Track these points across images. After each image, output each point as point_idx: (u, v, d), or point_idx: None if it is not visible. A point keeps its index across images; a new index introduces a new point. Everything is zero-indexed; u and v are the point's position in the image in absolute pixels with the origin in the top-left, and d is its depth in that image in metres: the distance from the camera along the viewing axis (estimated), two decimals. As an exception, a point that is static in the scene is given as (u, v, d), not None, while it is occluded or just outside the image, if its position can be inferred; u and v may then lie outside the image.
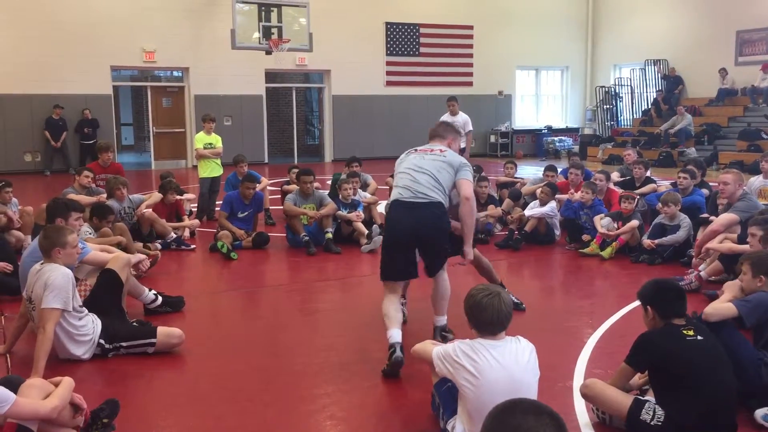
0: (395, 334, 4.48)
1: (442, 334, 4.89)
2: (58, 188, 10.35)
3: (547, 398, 3.72)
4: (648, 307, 3.73)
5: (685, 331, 3.57)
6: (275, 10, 15.04)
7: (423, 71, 21.35)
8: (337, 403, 4.16)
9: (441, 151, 4.87)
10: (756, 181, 8.46)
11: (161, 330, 4.90)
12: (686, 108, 19.63)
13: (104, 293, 5.14)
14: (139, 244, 7.68)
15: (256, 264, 7.95)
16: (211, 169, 10.61)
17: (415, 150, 4.96)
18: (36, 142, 17.61)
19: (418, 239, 4.68)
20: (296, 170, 10.13)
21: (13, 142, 17.34)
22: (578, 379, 4.33)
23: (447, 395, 3.49)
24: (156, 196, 8.67)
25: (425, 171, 4.73)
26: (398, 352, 4.38)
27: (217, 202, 10.41)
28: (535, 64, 23.81)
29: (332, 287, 7.05)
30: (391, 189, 10.18)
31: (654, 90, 21.80)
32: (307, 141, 23.93)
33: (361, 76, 20.44)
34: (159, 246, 8.17)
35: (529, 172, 14.94)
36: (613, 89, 22.80)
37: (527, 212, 8.74)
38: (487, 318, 3.28)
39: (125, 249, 6.63)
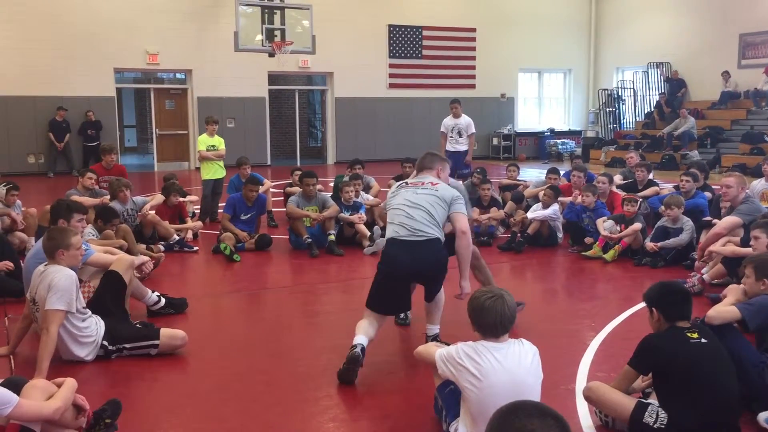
0: (360, 339, 4.50)
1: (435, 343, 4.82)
2: (62, 190, 10.37)
3: (549, 401, 3.72)
4: (653, 309, 3.73)
5: (689, 334, 3.57)
6: (278, 12, 15.05)
7: (426, 74, 21.36)
8: (340, 405, 4.16)
9: (432, 184, 4.84)
10: (758, 184, 8.46)
11: (164, 332, 4.90)
12: (689, 111, 19.61)
13: (107, 295, 5.15)
14: (143, 246, 7.69)
15: (259, 266, 7.96)
16: (214, 171, 10.62)
17: (407, 183, 4.94)
18: (39, 144, 17.65)
19: (419, 276, 4.73)
20: (299, 172, 10.15)
21: (17, 144, 17.37)
22: (581, 382, 4.32)
23: (450, 398, 3.49)
24: (158, 197, 8.68)
25: (419, 206, 4.69)
26: (357, 350, 4.40)
27: (219, 204, 10.41)
28: (537, 67, 23.81)
29: (335, 289, 7.05)
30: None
31: (657, 93, 21.80)
32: (309, 143, 23.95)
33: (363, 78, 20.46)
34: (162, 248, 8.18)
35: (532, 174, 14.94)
36: (615, 92, 22.80)
37: (530, 215, 8.74)
38: (490, 320, 3.28)
39: (128, 251, 6.64)
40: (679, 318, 3.65)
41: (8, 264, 6.30)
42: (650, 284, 3.91)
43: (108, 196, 8.41)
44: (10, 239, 7.53)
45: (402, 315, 5.55)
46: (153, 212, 8.34)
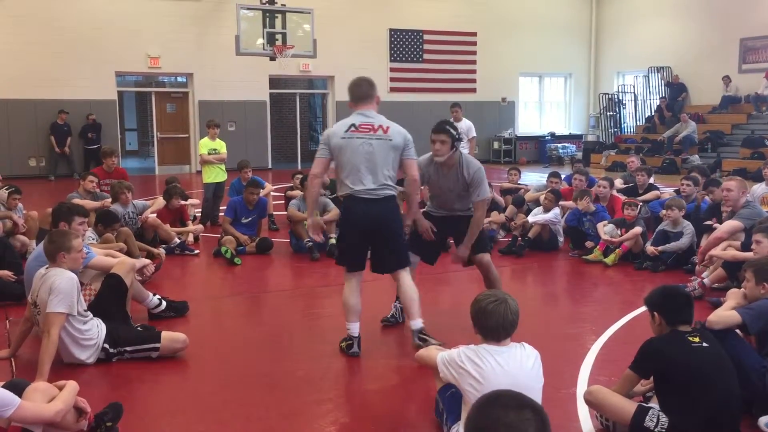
0: (354, 328, 4.86)
1: (420, 337, 4.90)
2: (63, 193, 10.38)
3: (550, 405, 3.73)
4: (655, 313, 3.73)
5: (690, 338, 3.57)
6: (279, 16, 15.08)
7: (426, 78, 21.39)
8: (341, 408, 4.16)
9: (384, 130, 4.79)
10: (759, 188, 8.46)
11: (165, 335, 4.91)
12: (690, 115, 19.61)
13: (109, 298, 5.16)
14: (147, 247, 7.69)
15: (260, 269, 7.97)
16: (216, 175, 10.64)
17: (355, 127, 4.77)
18: (41, 147, 17.67)
19: (380, 233, 4.84)
20: (300, 176, 10.15)
21: (18, 147, 17.39)
22: (582, 386, 4.33)
23: (451, 401, 3.49)
24: (159, 202, 8.69)
25: (377, 163, 4.74)
26: (355, 348, 4.81)
27: (221, 208, 10.42)
28: (538, 71, 23.84)
29: (335, 292, 7.00)
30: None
31: (657, 97, 21.80)
32: (310, 147, 23.93)
33: (364, 82, 20.45)
34: (163, 251, 8.19)
35: (533, 178, 14.95)
36: (616, 96, 22.81)
37: (531, 219, 8.74)
38: (493, 324, 3.28)
39: (128, 254, 6.65)
40: (681, 322, 3.65)
41: (8, 274, 6.30)
42: (651, 288, 3.92)
43: (110, 200, 8.42)
44: (12, 242, 7.54)
45: (390, 315, 5.63)
46: (154, 215, 8.34)
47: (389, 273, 5.06)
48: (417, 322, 4.94)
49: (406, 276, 5.01)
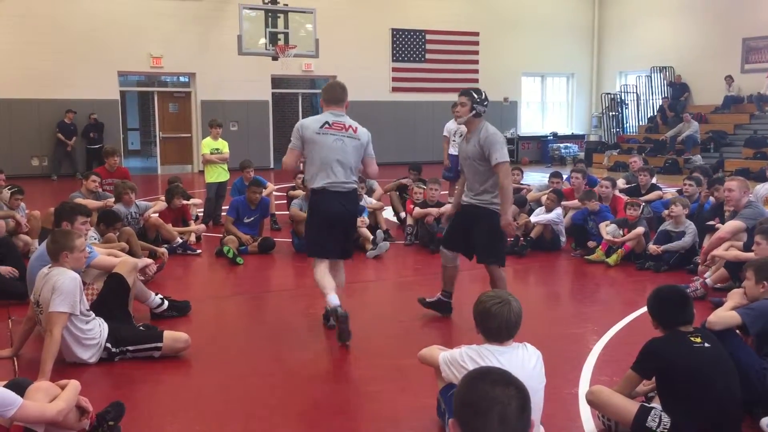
0: (333, 299, 5.12)
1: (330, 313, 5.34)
2: (65, 193, 10.39)
3: (553, 405, 3.73)
4: (653, 317, 3.72)
5: (692, 339, 3.56)
6: (282, 16, 15.09)
7: (429, 77, 21.38)
8: (343, 408, 4.16)
9: (354, 130, 5.31)
10: (762, 188, 8.43)
11: (167, 334, 4.91)
12: (692, 115, 19.59)
13: (111, 297, 5.16)
14: (150, 246, 7.70)
15: (262, 269, 7.97)
16: (218, 174, 10.65)
17: (329, 125, 5.25)
18: (43, 147, 17.70)
19: (344, 222, 5.34)
20: (302, 176, 10.15)
21: (20, 147, 17.42)
22: (584, 386, 4.32)
23: (452, 401, 3.48)
24: (160, 204, 8.64)
25: (346, 160, 5.24)
26: (341, 311, 5.02)
27: (223, 208, 10.43)
28: (540, 71, 23.83)
29: (337, 292, 7.03)
30: (392, 199, 10.25)
31: (660, 97, 21.78)
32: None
33: (367, 82, 20.44)
34: (166, 250, 8.19)
35: (535, 178, 14.94)
36: (618, 96, 22.79)
37: (533, 219, 8.74)
38: (495, 325, 3.27)
39: (130, 254, 6.66)
40: (677, 324, 3.64)
41: (13, 271, 6.31)
42: (653, 289, 3.91)
43: (111, 199, 8.44)
44: (15, 242, 7.55)
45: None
46: (156, 215, 8.35)
47: (347, 259, 5.63)
48: (333, 299, 5.24)
49: (342, 266, 5.63)
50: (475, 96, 5.48)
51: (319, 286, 5.28)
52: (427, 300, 5.92)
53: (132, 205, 8.19)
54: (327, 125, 5.25)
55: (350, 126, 5.32)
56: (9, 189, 8.23)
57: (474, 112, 5.45)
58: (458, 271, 5.89)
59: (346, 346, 5.08)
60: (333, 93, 5.40)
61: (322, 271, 5.29)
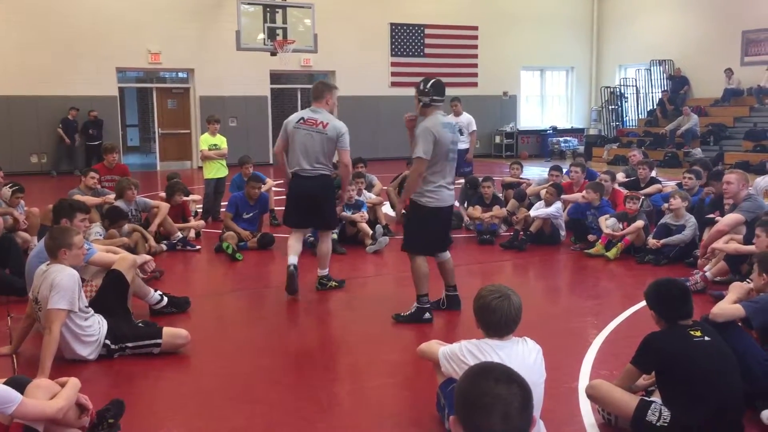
0: (291, 259, 6.21)
1: (321, 282, 6.51)
2: (64, 189, 10.38)
3: (553, 399, 3.73)
4: (653, 311, 3.72)
5: (692, 332, 3.56)
6: (280, 11, 15.06)
7: (428, 72, 21.12)
8: (343, 403, 4.16)
9: (324, 126, 6.14)
10: (762, 181, 8.41)
11: (167, 331, 4.91)
12: (692, 108, 19.58)
13: (110, 294, 5.15)
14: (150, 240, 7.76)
15: (261, 265, 7.96)
16: (216, 170, 10.63)
17: (303, 121, 6.18)
18: (42, 144, 17.67)
19: (314, 199, 6.24)
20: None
21: (19, 144, 17.39)
22: (584, 380, 4.32)
23: (452, 396, 3.47)
24: (163, 211, 8.44)
25: (314, 149, 6.15)
26: (292, 269, 6.13)
27: (222, 203, 10.42)
28: (540, 65, 23.78)
29: (337, 288, 7.04)
30: (389, 195, 10.40)
31: (659, 90, 21.75)
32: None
33: (366, 76, 20.44)
34: (164, 247, 8.20)
35: (534, 172, 14.93)
36: (618, 90, 22.75)
37: (532, 213, 8.73)
38: (495, 320, 3.27)
39: (131, 250, 6.67)
40: (680, 317, 3.63)
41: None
42: (650, 282, 3.90)
43: (110, 195, 8.43)
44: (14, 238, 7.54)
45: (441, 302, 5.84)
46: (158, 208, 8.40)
47: (318, 230, 6.69)
48: (324, 271, 6.55)
49: (327, 237, 6.59)
50: (421, 87, 5.56)
51: (288, 248, 6.33)
52: (406, 313, 5.74)
53: (133, 201, 8.18)
54: (302, 121, 6.21)
55: (321, 122, 6.17)
56: (10, 187, 8.22)
57: (421, 104, 5.57)
58: (452, 264, 5.87)
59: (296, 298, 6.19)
60: (314, 91, 6.35)
61: (293, 238, 6.42)
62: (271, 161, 19.82)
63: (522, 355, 3.28)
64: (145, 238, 7.69)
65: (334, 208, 6.72)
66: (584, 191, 8.48)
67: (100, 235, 6.90)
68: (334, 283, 6.58)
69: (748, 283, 4.54)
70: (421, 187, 5.50)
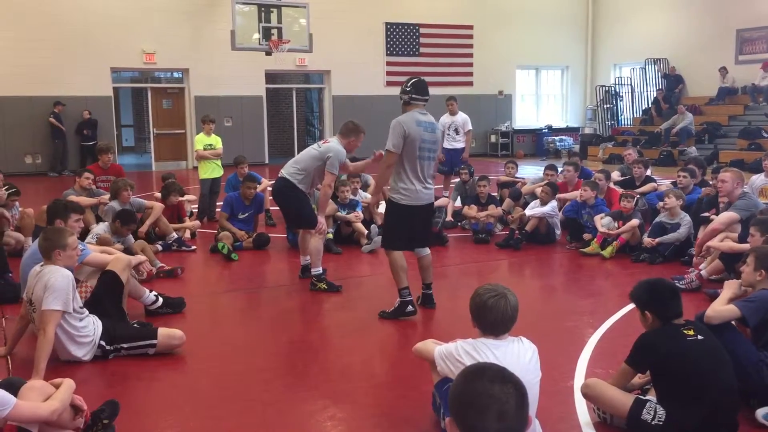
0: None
1: (313, 282, 6.53)
2: (59, 190, 10.35)
3: (548, 398, 3.73)
4: (646, 311, 3.71)
5: (685, 331, 3.56)
6: (275, 10, 15.03)
7: (423, 71, 21.26)
8: (338, 403, 4.15)
9: (325, 143, 6.65)
10: (758, 179, 8.44)
11: (162, 331, 4.89)
12: (687, 107, 19.62)
13: (105, 295, 5.14)
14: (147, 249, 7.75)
15: (257, 265, 7.95)
16: (212, 171, 10.61)
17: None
18: (36, 144, 17.63)
19: (277, 197, 6.73)
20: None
21: (13, 144, 17.36)
22: (579, 379, 4.33)
23: (448, 395, 3.48)
24: (156, 211, 8.42)
25: (296, 159, 6.70)
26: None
27: (217, 203, 10.41)
28: (535, 64, 23.81)
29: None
30: (386, 197, 10.50)
31: (654, 89, 21.80)
32: (307, 141, 23.84)
33: (361, 76, 20.44)
34: (159, 248, 8.18)
35: (530, 171, 14.94)
36: (613, 88, 22.79)
37: (528, 212, 8.73)
38: (492, 319, 3.26)
39: (130, 250, 6.67)
40: (674, 316, 3.64)
41: None
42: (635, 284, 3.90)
43: (105, 196, 8.41)
44: (6, 239, 7.53)
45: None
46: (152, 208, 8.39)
47: (297, 229, 7.22)
48: (317, 270, 6.56)
49: (310, 234, 6.66)
50: (403, 86, 5.82)
51: None
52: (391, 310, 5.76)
53: (127, 202, 8.16)
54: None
55: (324, 142, 6.77)
56: (6, 189, 8.20)
57: (402, 101, 5.73)
58: (430, 261, 5.89)
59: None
60: (345, 128, 6.84)
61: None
62: (266, 161, 19.83)
63: (517, 355, 3.28)
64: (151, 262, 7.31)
65: (302, 209, 6.66)
66: (581, 188, 8.48)
67: (106, 232, 7.08)
68: (323, 285, 6.51)
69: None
70: (396, 184, 5.57)
